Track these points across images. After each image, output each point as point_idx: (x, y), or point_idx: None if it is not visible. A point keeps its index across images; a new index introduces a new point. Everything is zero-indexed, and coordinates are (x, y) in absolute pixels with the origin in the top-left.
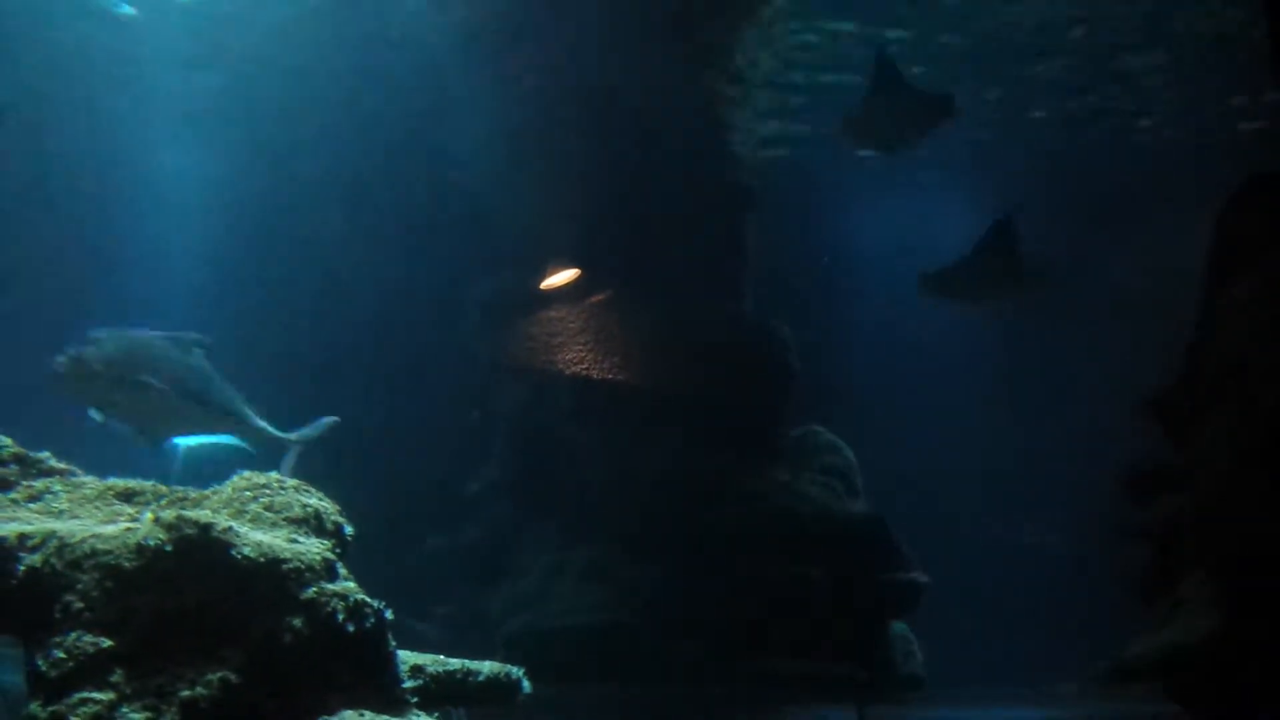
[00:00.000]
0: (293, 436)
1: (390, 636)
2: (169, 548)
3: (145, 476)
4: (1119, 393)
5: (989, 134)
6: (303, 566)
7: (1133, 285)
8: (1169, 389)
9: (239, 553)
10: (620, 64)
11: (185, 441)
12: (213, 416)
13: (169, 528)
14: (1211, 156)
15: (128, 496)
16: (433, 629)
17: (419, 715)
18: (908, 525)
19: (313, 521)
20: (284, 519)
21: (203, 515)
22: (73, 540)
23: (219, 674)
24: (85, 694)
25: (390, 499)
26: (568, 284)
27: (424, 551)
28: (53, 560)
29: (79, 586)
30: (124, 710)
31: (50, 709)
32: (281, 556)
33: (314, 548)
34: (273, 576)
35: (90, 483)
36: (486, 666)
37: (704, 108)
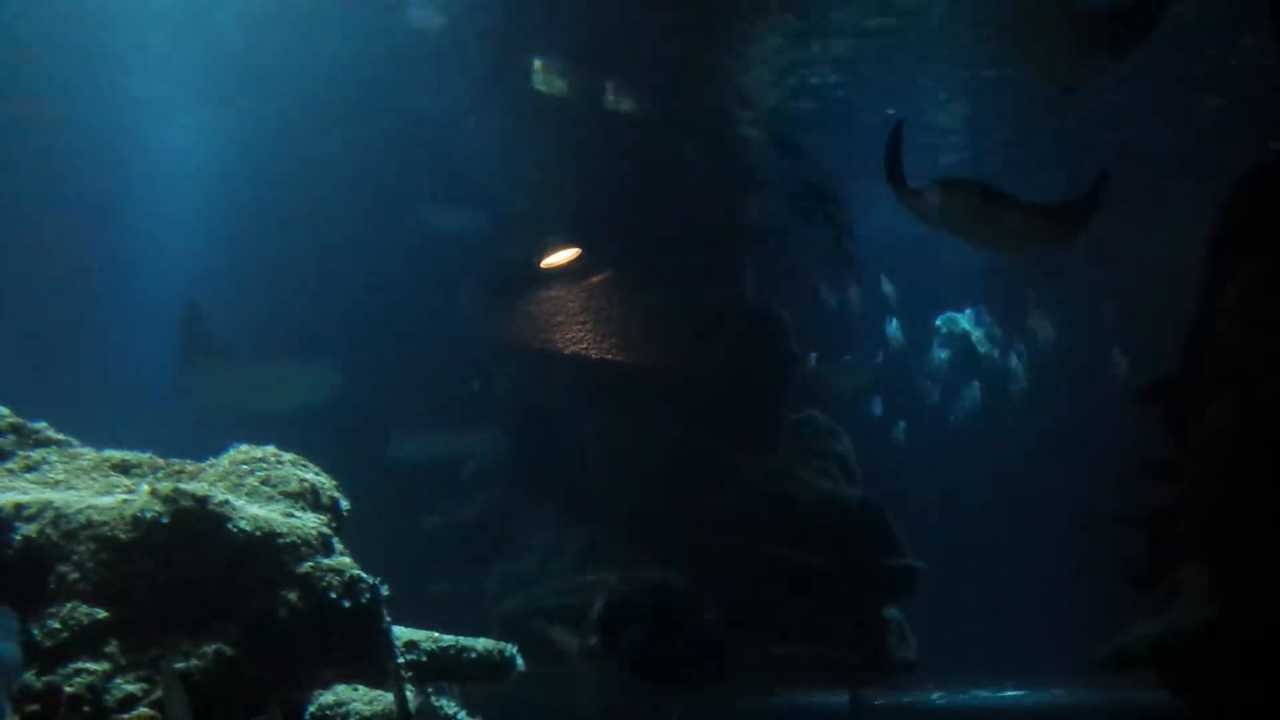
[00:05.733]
0: None
1: (385, 612)
2: (165, 520)
3: (141, 449)
4: (1121, 381)
5: (988, 124)
6: (298, 541)
7: (1135, 272)
8: (1170, 378)
9: (235, 526)
10: (624, 42)
11: None
12: None
13: (165, 500)
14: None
15: (124, 468)
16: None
17: (412, 690)
18: (904, 513)
19: (309, 496)
20: (281, 493)
21: (199, 488)
22: (69, 511)
23: (214, 646)
24: (80, 664)
25: (388, 475)
26: (568, 264)
27: (422, 529)
28: (48, 530)
29: (75, 557)
30: (118, 681)
31: (45, 679)
32: (277, 530)
33: (310, 522)
34: (268, 550)
35: (87, 453)
36: (480, 644)
37: (709, 87)
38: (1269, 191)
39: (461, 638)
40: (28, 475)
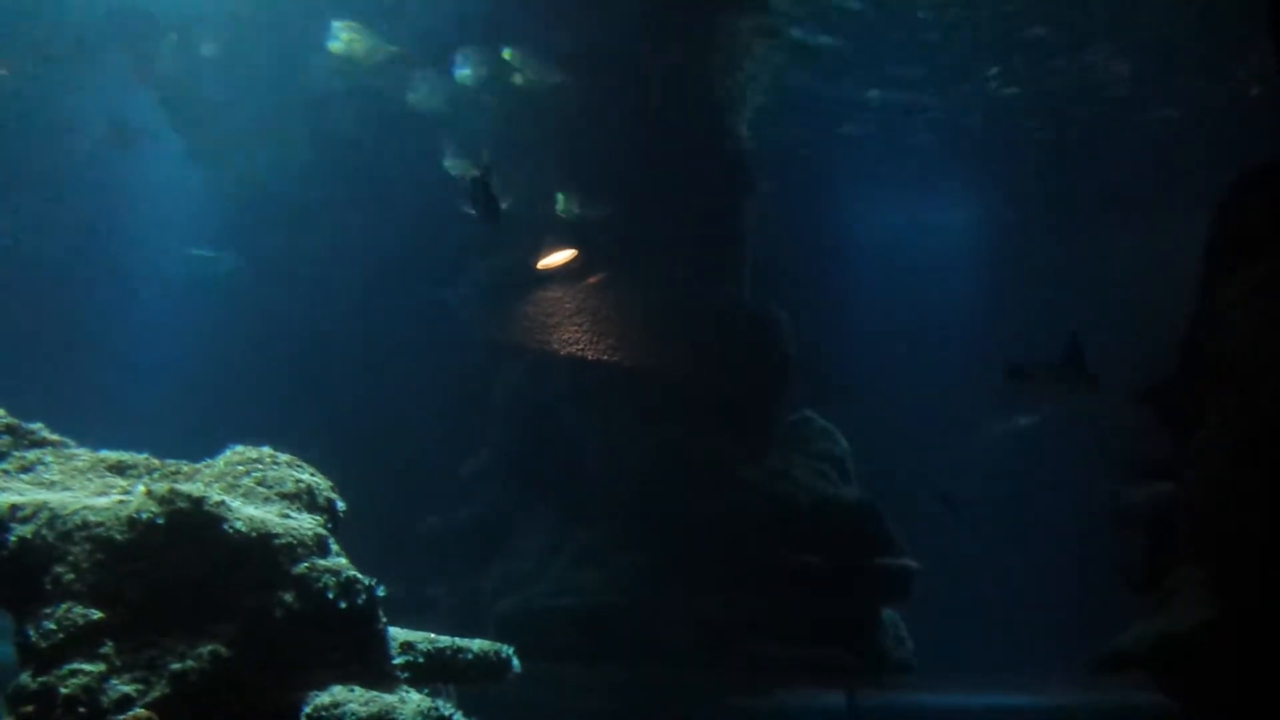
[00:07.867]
0: None
1: (382, 613)
2: (161, 521)
3: (137, 450)
4: (1118, 385)
5: (981, 118)
6: (294, 542)
7: (1132, 276)
8: (1167, 381)
9: (231, 527)
10: (621, 41)
11: None
12: None
13: (161, 501)
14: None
15: (120, 469)
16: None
17: (408, 691)
18: (900, 514)
19: (305, 497)
20: (276, 494)
21: (195, 489)
22: (64, 512)
23: (209, 647)
24: (75, 665)
25: (387, 478)
26: (564, 264)
27: (419, 530)
28: (44, 531)
29: (70, 558)
30: (114, 682)
31: (40, 680)
32: (273, 531)
33: (306, 523)
34: (264, 551)
35: (82, 454)
36: (476, 644)
37: (705, 87)
38: (1266, 194)
39: (458, 638)
40: (23, 476)
